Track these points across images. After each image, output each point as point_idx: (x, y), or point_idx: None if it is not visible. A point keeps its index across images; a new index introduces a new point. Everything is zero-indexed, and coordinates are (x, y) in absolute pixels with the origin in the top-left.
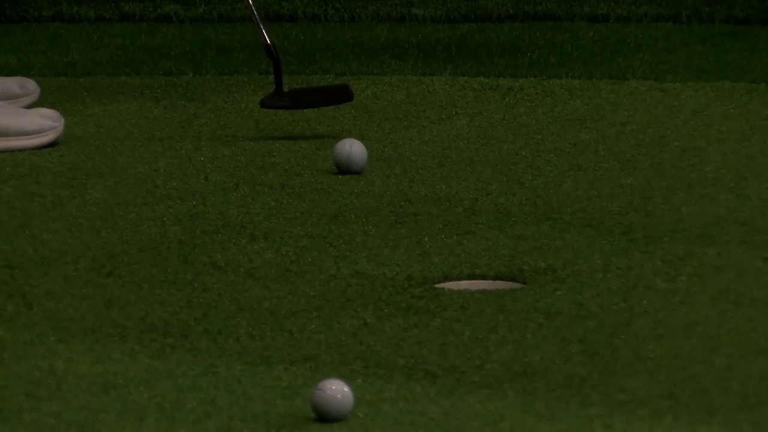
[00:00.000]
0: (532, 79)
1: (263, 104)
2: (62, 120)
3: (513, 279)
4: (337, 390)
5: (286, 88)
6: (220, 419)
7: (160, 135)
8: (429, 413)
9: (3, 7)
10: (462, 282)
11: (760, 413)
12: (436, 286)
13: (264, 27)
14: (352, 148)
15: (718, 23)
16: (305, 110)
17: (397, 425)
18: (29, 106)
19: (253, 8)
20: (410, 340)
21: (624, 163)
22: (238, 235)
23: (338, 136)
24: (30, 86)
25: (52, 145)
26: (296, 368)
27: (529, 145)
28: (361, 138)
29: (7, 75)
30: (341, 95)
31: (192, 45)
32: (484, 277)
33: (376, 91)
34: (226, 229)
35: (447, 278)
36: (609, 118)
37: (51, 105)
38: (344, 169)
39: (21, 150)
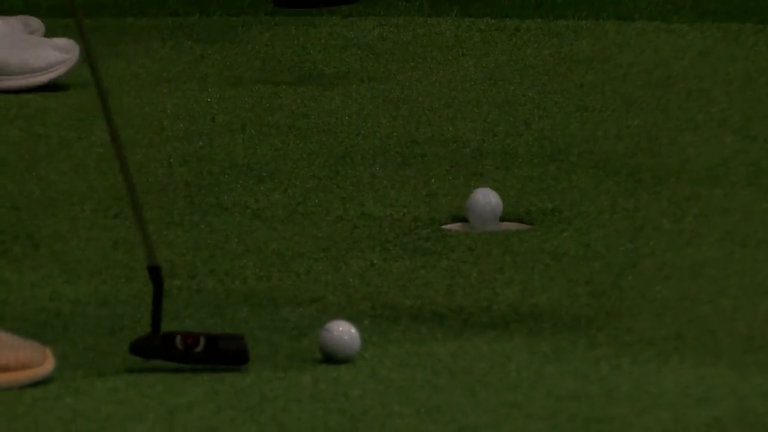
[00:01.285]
0: (538, 20)
1: None
2: (77, 49)
3: (520, 220)
4: (344, 331)
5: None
6: None
7: (167, 76)
8: (436, 354)
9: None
10: (469, 223)
11: (766, 354)
12: (443, 227)
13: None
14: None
15: None
16: (311, 53)
17: (403, 367)
18: None
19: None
20: (417, 282)
21: (630, 104)
22: (244, 177)
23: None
24: (34, 24)
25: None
26: (303, 309)
27: (536, 86)
28: (368, 79)
29: (12, 15)
30: None
31: None
32: None
33: (382, 32)
34: (232, 171)
35: (454, 220)
36: (615, 59)
37: None
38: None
39: (26, 88)
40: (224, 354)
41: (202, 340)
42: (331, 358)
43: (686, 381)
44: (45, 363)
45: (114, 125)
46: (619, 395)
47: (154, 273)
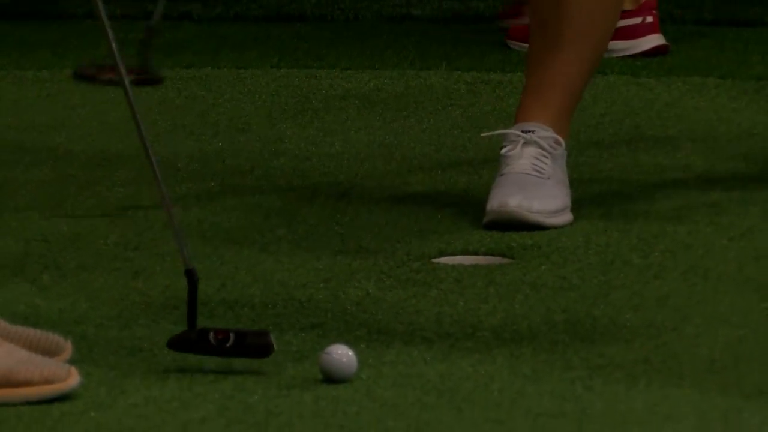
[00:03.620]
0: (519, 74)
1: None
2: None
3: (502, 255)
4: (342, 354)
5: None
6: (236, 380)
7: (182, 122)
8: (425, 376)
9: (39, 5)
10: (456, 257)
11: (725, 377)
12: (433, 260)
13: (275, 29)
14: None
15: (689, 24)
16: (313, 102)
17: (396, 386)
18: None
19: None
20: (409, 310)
21: (603, 151)
22: (252, 214)
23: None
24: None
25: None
26: (305, 334)
27: None
28: (365, 127)
29: (41, 69)
30: None
31: (209, 41)
32: (476, 253)
33: (377, 83)
34: (242, 208)
35: (442, 254)
36: (589, 110)
37: (81, 104)
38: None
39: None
40: (251, 347)
41: (232, 336)
42: (330, 378)
43: (653, 400)
44: (68, 379)
45: (143, 134)
46: (593, 413)
47: (190, 275)
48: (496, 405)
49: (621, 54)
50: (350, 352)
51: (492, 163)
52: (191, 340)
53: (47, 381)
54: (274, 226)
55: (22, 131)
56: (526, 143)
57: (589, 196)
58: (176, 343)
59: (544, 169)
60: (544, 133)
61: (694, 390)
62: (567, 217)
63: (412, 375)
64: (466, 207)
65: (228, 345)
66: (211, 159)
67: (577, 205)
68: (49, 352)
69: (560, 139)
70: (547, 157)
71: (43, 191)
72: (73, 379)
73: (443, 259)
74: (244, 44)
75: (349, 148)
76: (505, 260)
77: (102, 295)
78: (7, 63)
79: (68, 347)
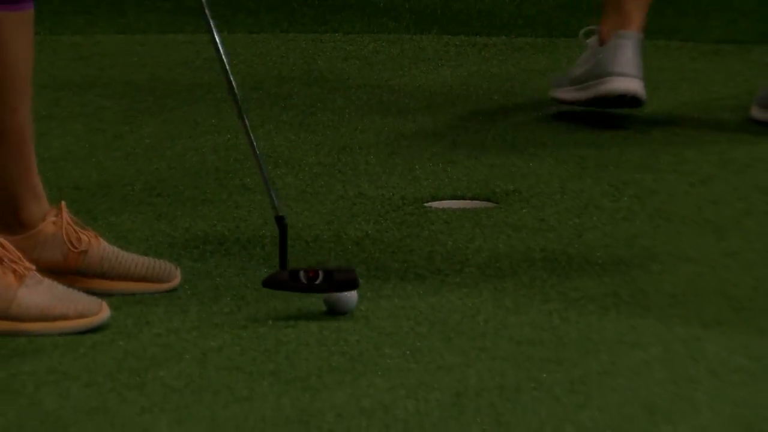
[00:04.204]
0: (503, 37)
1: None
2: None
3: (487, 199)
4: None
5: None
6: (249, 312)
7: (201, 81)
8: (418, 308)
9: None
10: (445, 201)
11: (686, 309)
12: (425, 204)
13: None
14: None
15: None
16: (318, 63)
17: (392, 317)
18: None
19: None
20: (403, 249)
21: (578, 106)
22: (264, 163)
23: (345, 112)
24: None
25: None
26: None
27: (500, 92)
28: (364, 85)
29: (75, 33)
30: None
31: (226, 8)
32: (463, 198)
33: (376, 46)
34: (254, 158)
35: (433, 198)
36: (565, 70)
37: (111, 65)
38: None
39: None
40: (339, 283)
41: (321, 274)
42: (333, 310)
43: (621, 330)
44: (100, 312)
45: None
46: (568, 341)
47: (280, 221)
48: (481, 334)
49: None
50: None
51: (478, 117)
52: (285, 280)
53: (81, 315)
54: (282, 174)
55: (57, 90)
56: None
57: (565, 145)
58: (270, 283)
59: None
60: None
61: (658, 321)
62: None
63: (407, 307)
64: (455, 157)
65: (317, 282)
66: (227, 114)
67: (555, 154)
68: (162, 277)
69: None
70: None
71: (76, 143)
72: (104, 312)
73: (434, 204)
74: (257, 11)
75: (350, 104)
76: (490, 204)
77: (129, 235)
78: (42, 29)
79: (178, 274)
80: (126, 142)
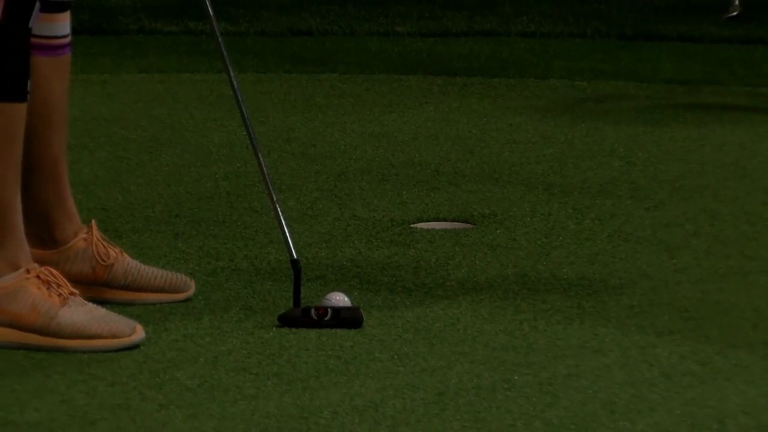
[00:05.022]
0: (480, 77)
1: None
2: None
3: (466, 221)
4: (339, 300)
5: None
6: (255, 320)
7: (214, 116)
8: (405, 317)
9: (100, 23)
10: (429, 223)
11: (642, 319)
12: (411, 225)
13: (287, 42)
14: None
15: (613, 38)
16: (317, 100)
17: (382, 325)
18: None
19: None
20: (392, 265)
21: (546, 139)
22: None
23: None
24: None
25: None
26: (310, 284)
27: (478, 126)
28: (358, 120)
29: (103, 72)
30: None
31: (236, 50)
32: (445, 220)
33: (368, 85)
34: (261, 184)
35: (419, 220)
36: (535, 106)
37: (134, 101)
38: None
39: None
40: (346, 320)
41: (329, 311)
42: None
43: (584, 337)
44: (133, 335)
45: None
46: (537, 347)
47: (295, 264)
48: (461, 340)
49: None
50: (345, 298)
51: (458, 148)
52: (297, 316)
53: (114, 335)
54: (286, 198)
55: (87, 122)
56: None
57: (534, 175)
58: (285, 319)
59: None
60: None
61: (617, 329)
62: None
63: (395, 316)
64: (438, 184)
65: (326, 319)
66: (237, 145)
67: (526, 182)
68: (179, 288)
69: None
70: None
71: (103, 170)
72: (137, 335)
73: (419, 225)
74: (263, 54)
75: (345, 136)
76: (468, 226)
77: (150, 252)
78: (75, 69)
79: (192, 284)
80: (147, 169)
